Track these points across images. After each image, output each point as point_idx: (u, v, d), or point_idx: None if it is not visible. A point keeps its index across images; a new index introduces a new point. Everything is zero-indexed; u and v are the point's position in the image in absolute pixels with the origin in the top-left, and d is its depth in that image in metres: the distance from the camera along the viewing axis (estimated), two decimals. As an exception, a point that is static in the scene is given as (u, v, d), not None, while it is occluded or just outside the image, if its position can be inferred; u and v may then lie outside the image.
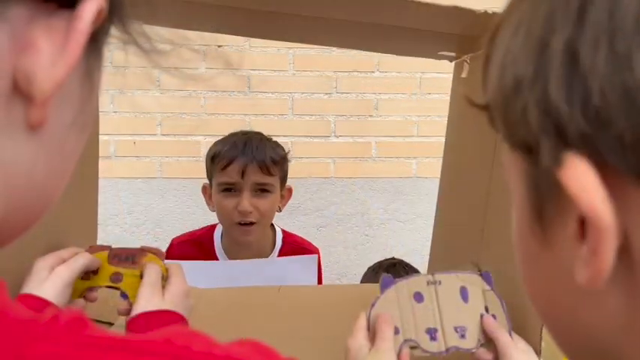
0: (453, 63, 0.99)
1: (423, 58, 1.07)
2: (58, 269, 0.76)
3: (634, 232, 0.25)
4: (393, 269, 1.57)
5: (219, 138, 1.50)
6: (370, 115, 2.34)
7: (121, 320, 0.86)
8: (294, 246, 1.52)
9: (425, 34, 0.85)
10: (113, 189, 2.23)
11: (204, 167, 1.51)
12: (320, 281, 1.48)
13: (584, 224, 0.26)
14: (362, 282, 1.66)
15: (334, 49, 2.24)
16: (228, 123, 2.24)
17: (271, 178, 1.41)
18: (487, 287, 0.80)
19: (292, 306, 1.05)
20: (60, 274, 0.75)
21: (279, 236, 1.52)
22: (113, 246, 0.84)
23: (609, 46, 0.24)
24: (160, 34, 0.33)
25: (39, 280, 0.74)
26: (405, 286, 0.78)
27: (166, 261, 0.85)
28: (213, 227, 1.53)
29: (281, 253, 1.50)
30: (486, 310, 0.78)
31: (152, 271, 0.79)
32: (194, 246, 1.50)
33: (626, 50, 0.23)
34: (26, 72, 0.27)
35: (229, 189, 1.41)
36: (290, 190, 1.52)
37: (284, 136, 2.24)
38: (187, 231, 1.63)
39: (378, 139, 2.35)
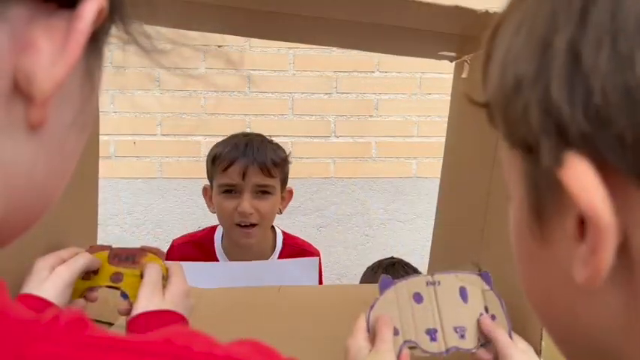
0: (454, 63, 0.99)
1: (423, 58, 1.07)
2: (59, 269, 0.76)
3: (633, 231, 0.25)
4: (393, 268, 1.57)
5: (219, 138, 1.50)
6: (370, 116, 2.34)
7: (122, 320, 0.86)
8: (295, 248, 1.51)
9: (425, 34, 0.85)
10: (113, 189, 2.23)
11: (205, 167, 1.51)
12: (320, 283, 1.48)
13: (583, 223, 0.26)
14: (361, 281, 1.66)
15: (334, 49, 2.25)
16: (228, 123, 2.25)
17: (272, 179, 1.41)
18: (486, 287, 0.80)
19: (292, 306, 1.05)
20: (60, 274, 0.75)
21: (280, 238, 1.52)
22: (113, 246, 0.84)
23: (611, 46, 0.24)
24: (161, 33, 0.33)
25: (39, 280, 0.74)
26: (404, 286, 0.78)
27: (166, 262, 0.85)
28: (213, 229, 1.53)
29: (281, 255, 1.50)
30: (486, 310, 0.78)
31: (152, 270, 0.79)
32: (195, 247, 1.50)
33: (628, 50, 0.24)
34: (26, 72, 0.27)
35: (230, 190, 1.40)
36: (291, 192, 1.52)
37: (284, 136, 2.24)
38: (187, 231, 1.63)
39: (378, 139, 2.35)
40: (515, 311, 0.78)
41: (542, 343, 0.80)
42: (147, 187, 2.28)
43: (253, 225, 1.40)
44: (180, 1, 0.73)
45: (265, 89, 2.28)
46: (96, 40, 0.30)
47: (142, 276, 0.80)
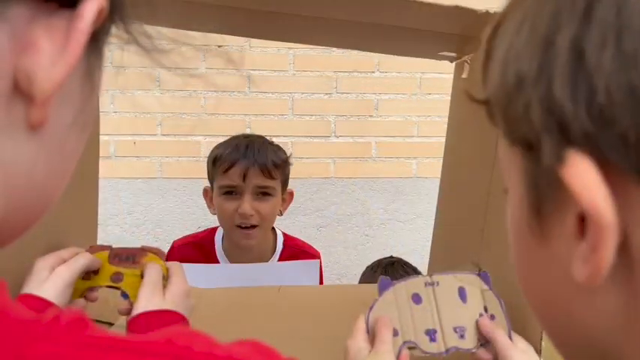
0: (454, 63, 0.99)
1: (423, 59, 1.07)
2: (59, 269, 0.76)
3: (634, 230, 0.25)
4: (392, 268, 1.57)
5: (219, 138, 1.50)
6: (370, 116, 2.34)
7: (122, 320, 0.86)
8: (296, 250, 1.51)
9: (425, 35, 0.85)
10: (113, 189, 2.23)
11: (205, 167, 1.51)
12: (321, 284, 1.48)
13: (583, 221, 0.26)
14: (360, 281, 1.65)
15: (334, 49, 2.24)
16: (228, 123, 2.25)
17: (273, 181, 1.41)
18: (485, 287, 0.80)
19: (292, 306, 1.05)
20: (61, 274, 0.75)
21: (280, 239, 1.52)
22: (113, 246, 0.84)
23: (616, 44, 0.24)
24: (161, 33, 0.33)
25: (39, 280, 0.74)
26: (403, 287, 0.78)
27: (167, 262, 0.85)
28: (214, 230, 1.53)
29: (282, 257, 1.50)
30: (485, 309, 0.78)
31: (153, 270, 0.79)
32: (195, 249, 1.50)
33: (633, 49, 0.23)
34: (27, 72, 0.27)
35: (230, 192, 1.40)
36: (291, 194, 1.52)
37: (284, 136, 2.24)
38: (187, 231, 1.63)
39: (378, 139, 2.35)
40: (515, 311, 0.78)
41: (542, 343, 0.80)
42: (147, 187, 2.28)
43: (254, 226, 1.40)
44: (180, 1, 0.73)
45: (265, 89, 2.28)
46: (96, 40, 0.30)
47: (142, 276, 0.80)
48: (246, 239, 1.41)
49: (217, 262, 1.48)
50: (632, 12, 0.24)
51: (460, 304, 0.78)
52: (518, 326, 0.78)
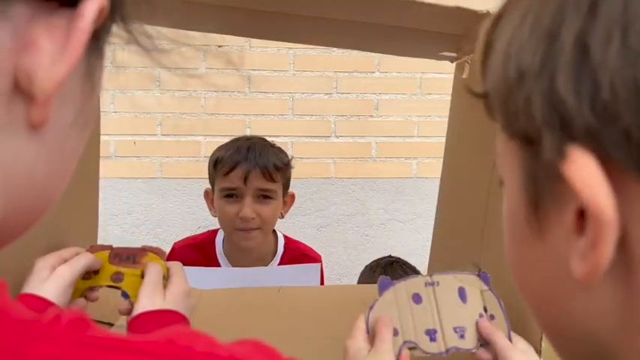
0: (454, 63, 0.99)
1: (424, 59, 1.07)
2: (60, 269, 0.76)
3: (633, 226, 0.25)
4: (391, 268, 1.57)
5: (219, 138, 1.50)
6: (370, 116, 2.34)
7: (122, 320, 0.86)
8: (296, 253, 1.51)
9: (426, 35, 0.85)
10: (113, 189, 2.23)
11: (205, 167, 1.50)
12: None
13: (582, 217, 0.25)
14: (359, 281, 1.65)
15: (334, 49, 2.24)
16: (228, 123, 2.25)
17: (274, 184, 1.40)
18: (485, 287, 0.80)
19: (292, 306, 1.05)
20: (61, 274, 0.75)
21: (281, 242, 1.52)
22: (114, 246, 0.84)
23: (622, 40, 0.24)
24: (161, 33, 0.33)
25: (40, 279, 0.74)
26: (403, 287, 0.78)
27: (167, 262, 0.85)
28: (215, 232, 1.53)
29: (283, 260, 1.49)
30: (485, 310, 0.78)
31: (153, 270, 0.79)
32: (196, 251, 1.50)
33: (638, 45, 0.23)
34: (27, 71, 0.27)
35: (231, 195, 1.40)
36: (293, 196, 1.51)
37: (284, 136, 2.24)
38: (187, 231, 1.63)
39: (378, 139, 2.35)
40: (514, 312, 0.78)
41: (543, 344, 0.80)
42: (147, 187, 2.28)
43: (254, 228, 1.40)
44: (180, 1, 0.73)
45: (265, 89, 2.28)
46: (97, 39, 0.30)
47: (142, 276, 0.80)
48: (246, 241, 1.41)
49: (218, 264, 1.48)
50: (638, 8, 0.24)
51: (460, 305, 0.78)
52: (517, 327, 0.78)
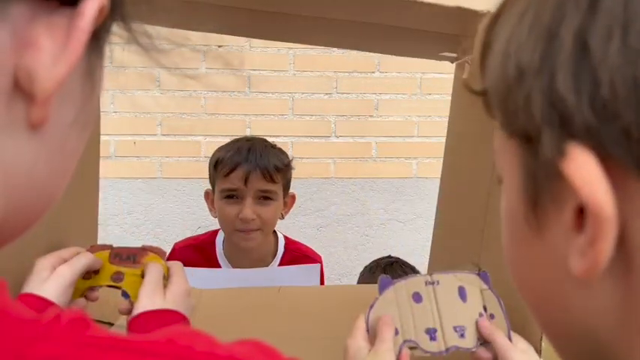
0: (454, 64, 0.99)
1: (424, 59, 1.07)
2: (60, 269, 0.76)
3: (632, 224, 0.25)
4: (391, 268, 1.57)
5: (220, 138, 1.50)
6: (370, 116, 2.34)
7: (122, 320, 0.86)
8: (297, 254, 1.51)
9: (426, 35, 0.85)
10: (113, 189, 2.23)
11: (205, 167, 1.50)
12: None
13: (581, 214, 0.25)
14: (359, 281, 1.65)
15: (334, 49, 2.24)
16: (228, 123, 2.25)
17: (274, 185, 1.40)
18: (485, 286, 0.80)
19: (292, 306, 1.05)
20: (62, 273, 0.75)
21: (282, 243, 1.52)
22: (114, 245, 0.84)
23: (622, 38, 0.24)
24: (161, 32, 0.33)
25: (40, 279, 0.74)
26: (403, 286, 0.78)
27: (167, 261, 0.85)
28: (215, 233, 1.53)
29: (283, 261, 1.49)
30: (485, 309, 0.78)
31: (153, 270, 0.79)
32: (196, 251, 1.50)
33: (639, 43, 0.23)
34: (27, 70, 0.27)
35: (232, 196, 1.39)
36: (293, 197, 1.51)
37: (284, 136, 2.24)
38: (187, 231, 1.63)
39: (378, 139, 2.35)
40: (515, 312, 0.78)
41: (543, 344, 0.80)
42: (147, 187, 2.28)
43: (255, 229, 1.40)
44: (180, 1, 0.73)
45: (265, 89, 2.28)
46: (97, 39, 0.30)
47: (142, 275, 0.80)
48: (246, 241, 1.41)
49: (218, 265, 1.47)
50: (638, 5, 0.23)
51: (460, 304, 0.78)
52: (518, 327, 0.78)
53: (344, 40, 1.06)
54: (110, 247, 0.84)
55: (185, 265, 0.85)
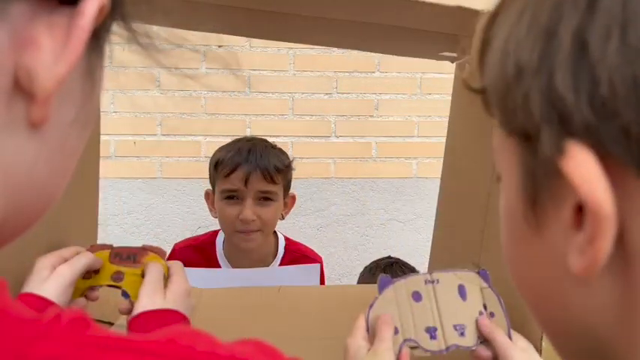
0: (455, 63, 0.99)
1: (424, 59, 1.07)
2: (60, 268, 0.76)
3: (631, 222, 0.25)
4: (391, 269, 1.57)
5: (220, 138, 1.50)
6: (371, 116, 2.34)
7: (122, 319, 0.86)
8: (297, 254, 1.50)
9: (426, 35, 0.85)
10: (113, 189, 2.23)
11: (205, 167, 1.50)
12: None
13: (580, 212, 0.26)
14: (359, 282, 1.65)
15: (335, 49, 2.24)
16: (228, 123, 2.25)
17: (275, 186, 1.40)
18: (485, 285, 0.79)
19: (292, 306, 1.05)
20: (62, 273, 0.75)
21: (282, 244, 1.51)
22: (114, 245, 0.84)
23: (621, 37, 0.24)
24: (161, 32, 0.33)
25: (40, 279, 0.74)
26: (403, 285, 0.78)
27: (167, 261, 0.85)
28: (215, 233, 1.53)
29: (283, 261, 1.49)
30: (484, 307, 0.78)
31: (154, 270, 0.79)
32: (196, 252, 1.49)
33: (638, 42, 0.23)
34: (28, 69, 0.27)
35: (232, 196, 1.39)
36: (293, 198, 1.51)
37: (284, 136, 2.24)
38: (187, 231, 1.63)
39: (378, 139, 2.35)
40: (515, 311, 0.78)
41: (543, 343, 0.80)
42: (147, 187, 2.28)
43: (255, 230, 1.40)
44: (180, 1, 0.73)
45: (265, 89, 2.28)
46: (97, 38, 0.30)
47: (143, 275, 0.80)
48: (246, 242, 1.40)
49: (218, 265, 1.47)
50: (638, 4, 0.24)
51: (460, 302, 0.78)
52: (517, 326, 0.78)
53: (344, 40, 1.06)
54: (110, 246, 0.84)
55: (185, 265, 0.85)
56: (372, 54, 2.20)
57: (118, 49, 0.33)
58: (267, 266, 1.48)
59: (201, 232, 1.69)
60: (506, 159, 0.30)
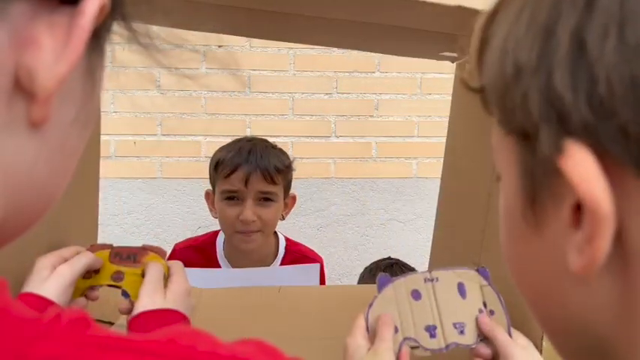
0: (455, 63, 0.99)
1: (424, 59, 1.07)
2: (60, 268, 0.76)
3: (629, 221, 0.25)
4: (391, 270, 1.57)
5: (220, 138, 1.49)
6: (371, 116, 2.34)
7: (122, 319, 0.86)
8: (298, 255, 1.50)
9: (426, 35, 0.85)
10: (113, 189, 2.23)
11: (205, 167, 1.50)
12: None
13: (579, 211, 0.26)
14: (359, 283, 1.65)
15: (335, 49, 2.24)
16: (228, 123, 2.25)
17: (275, 187, 1.39)
18: (484, 282, 0.79)
19: (292, 306, 1.05)
20: (62, 273, 0.75)
21: (283, 244, 1.51)
22: (114, 245, 0.84)
23: (618, 35, 0.24)
24: (161, 34, 0.33)
25: (40, 278, 0.74)
26: (402, 284, 0.78)
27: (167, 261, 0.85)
28: (215, 233, 1.53)
29: (284, 262, 1.49)
30: (484, 305, 0.78)
31: (154, 269, 0.79)
32: (197, 252, 1.49)
33: (635, 41, 0.23)
34: (28, 69, 0.27)
35: (232, 197, 1.39)
36: (294, 198, 1.51)
37: (284, 136, 2.24)
38: (187, 231, 1.63)
39: (378, 139, 2.35)
40: (514, 310, 0.78)
41: (544, 343, 0.80)
42: (147, 187, 2.28)
43: (255, 231, 1.40)
44: (180, 1, 0.73)
45: (265, 89, 2.28)
46: (98, 37, 0.30)
47: (143, 275, 0.80)
48: (246, 243, 1.40)
49: (219, 265, 1.47)
50: (635, 3, 0.24)
51: (459, 300, 0.78)
52: (517, 324, 0.78)
53: (344, 40, 1.06)
54: (110, 246, 0.84)
55: (185, 265, 0.85)
56: (372, 54, 2.20)
57: (118, 49, 0.33)
58: (268, 267, 1.47)
59: (201, 232, 1.69)
60: (505, 158, 0.30)
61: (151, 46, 0.32)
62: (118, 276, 0.81)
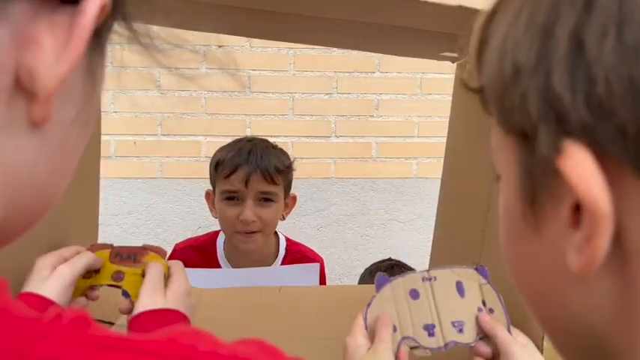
0: (455, 64, 0.98)
1: (424, 59, 1.07)
2: (61, 268, 0.76)
3: (628, 220, 0.25)
4: (391, 271, 1.56)
5: (220, 138, 1.49)
6: (371, 116, 2.34)
7: (123, 319, 0.86)
8: (298, 255, 1.50)
9: (427, 35, 0.85)
10: (113, 189, 2.23)
11: (205, 167, 1.50)
12: (323, 288, 1.47)
13: (578, 211, 0.26)
14: (359, 284, 1.65)
15: (335, 49, 2.24)
16: (228, 123, 2.25)
17: (275, 187, 1.39)
18: (483, 281, 0.79)
19: (292, 306, 1.05)
20: (62, 272, 0.75)
21: (283, 244, 1.51)
22: (115, 244, 0.84)
23: (617, 36, 0.24)
24: (161, 34, 0.33)
25: (41, 278, 0.74)
26: (400, 283, 0.78)
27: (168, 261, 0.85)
28: (216, 234, 1.52)
29: (284, 262, 1.48)
30: (483, 303, 0.78)
31: (154, 269, 0.79)
32: (197, 252, 1.49)
33: (634, 41, 0.23)
34: (29, 68, 0.27)
35: (232, 197, 1.39)
36: (294, 198, 1.50)
37: (284, 136, 2.24)
38: (188, 231, 1.63)
39: (378, 139, 2.35)
40: (514, 309, 0.78)
41: (544, 343, 0.80)
42: (147, 187, 2.28)
43: (255, 231, 1.39)
44: (180, 1, 0.73)
45: (265, 89, 2.28)
46: (98, 37, 0.30)
47: (143, 275, 0.80)
48: (246, 244, 1.40)
49: (219, 266, 1.47)
50: (634, 4, 0.24)
51: (458, 299, 0.78)
52: (517, 324, 0.78)
53: (344, 40, 1.06)
54: (111, 246, 0.84)
55: (186, 265, 0.85)
56: (372, 54, 2.20)
57: (118, 48, 0.33)
58: (268, 267, 1.47)
59: (201, 232, 1.69)
60: (504, 158, 0.30)
61: (151, 46, 0.32)
62: (118, 276, 0.81)
